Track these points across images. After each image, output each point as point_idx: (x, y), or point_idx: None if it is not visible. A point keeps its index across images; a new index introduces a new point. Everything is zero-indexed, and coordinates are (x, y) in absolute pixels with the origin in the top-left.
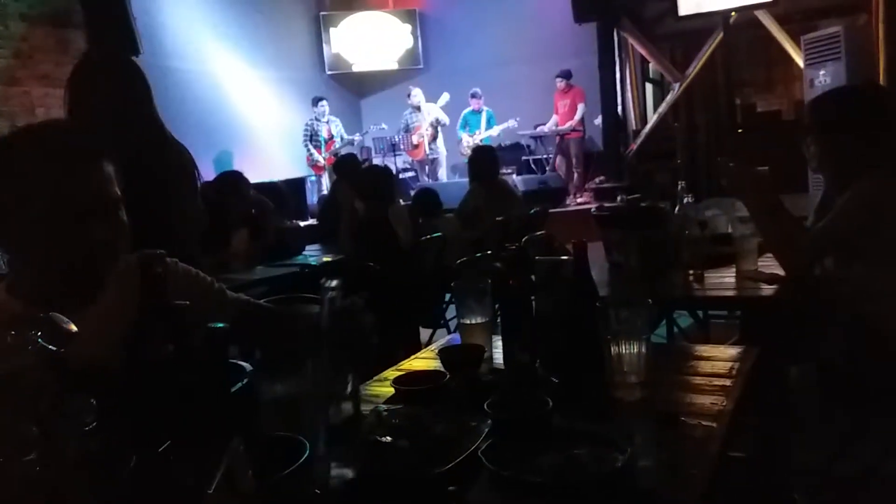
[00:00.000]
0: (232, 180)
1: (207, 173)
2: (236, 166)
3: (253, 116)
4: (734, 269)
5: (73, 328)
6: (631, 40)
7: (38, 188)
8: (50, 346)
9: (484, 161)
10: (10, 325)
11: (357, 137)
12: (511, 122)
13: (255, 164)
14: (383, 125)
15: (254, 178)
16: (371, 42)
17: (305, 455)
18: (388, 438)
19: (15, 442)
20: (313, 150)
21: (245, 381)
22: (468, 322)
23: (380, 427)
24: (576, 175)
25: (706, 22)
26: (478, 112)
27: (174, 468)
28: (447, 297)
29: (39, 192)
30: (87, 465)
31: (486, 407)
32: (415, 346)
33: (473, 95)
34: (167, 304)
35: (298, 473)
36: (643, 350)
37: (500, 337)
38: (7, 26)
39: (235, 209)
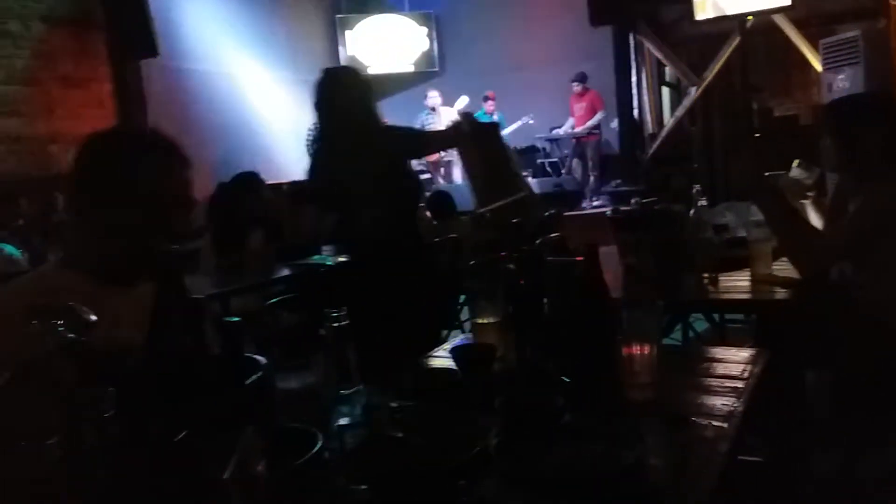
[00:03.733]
0: (248, 181)
1: (220, 173)
2: (250, 167)
3: (268, 117)
4: (749, 273)
5: (94, 318)
6: (647, 44)
7: (147, 176)
8: (70, 335)
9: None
10: (35, 313)
11: None
12: (524, 120)
13: (270, 165)
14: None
15: (268, 179)
16: (387, 45)
17: (318, 446)
18: (400, 434)
19: (37, 426)
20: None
21: (260, 373)
22: (481, 321)
23: (391, 424)
24: (591, 178)
25: (723, 26)
26: (490, 115)
27: (190, 456)
28: (462, 298)
29: (147, 180)
30: (107, 451)
31: (497, 405)
32: (429, 346)
33: (486, 98)
34: (185, 298)
35: (310, 464)
36: (654, 351)
37: (512, 337)
38: (28, 28)
39: (252, 209)
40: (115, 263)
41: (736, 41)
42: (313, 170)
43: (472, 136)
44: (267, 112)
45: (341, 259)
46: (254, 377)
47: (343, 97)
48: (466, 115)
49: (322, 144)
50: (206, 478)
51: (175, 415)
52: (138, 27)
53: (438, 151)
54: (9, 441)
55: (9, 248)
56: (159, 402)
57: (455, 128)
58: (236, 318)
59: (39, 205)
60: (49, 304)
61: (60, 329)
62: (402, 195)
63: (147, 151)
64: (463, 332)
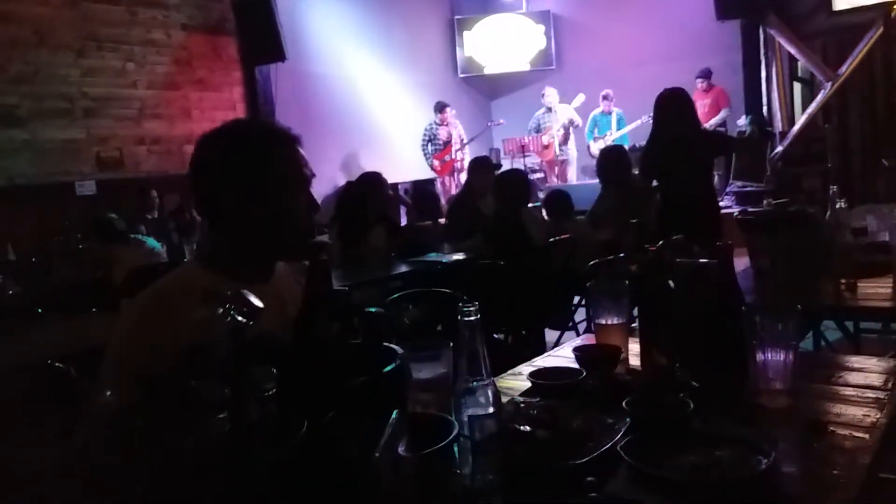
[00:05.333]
0: (372, 180)
1: (339, 175)
2: (370, 166)
3: (386, 118)
4: (891, 280)
5: (261, 304)
6: (778, 38)
7: (268, 163)
8: (240, 319)
9: (613, 162)
10: (208, 299)
11: (467, 138)
12: (643, 119)
13: (386, 165)
14: (501, 121)
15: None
16: (503, 44)
17: (453, 433)
18: (527, 428)
19: (210, 401)
20: (430, 154)
21: (397, 362)
22: (604, 323)
23: (518, 417)
24: (716, 178)
25: (863, 16)
26: (608, 114)
27: (337, 437)
28: (576, 299)
29: (270, 166)
30: (267, 427)
31: (624, 405)
32: (540, 347)
33: (605, 97)
34: (332, 289)
35: (445, 451)
36: (790, 357)
37: (636, 339)
38: (169, 35)
39: (374, 207)
40: (247, 263)
41: (878, 32)
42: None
43: None
44: (386, 113)
45: (456, 257)
46: (391, 365)
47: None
48: None
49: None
50: (350, 456)
51: (324, 397)
52: (267, 34)
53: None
54: (177, 416)
55: (150, 241)
56: (310, 385)
57: None
58: (376, 309)
59: (176, 201)
60: (221, 291)
61: (232, 313)
62: None
63: (263, 138)
64: (578, 334)
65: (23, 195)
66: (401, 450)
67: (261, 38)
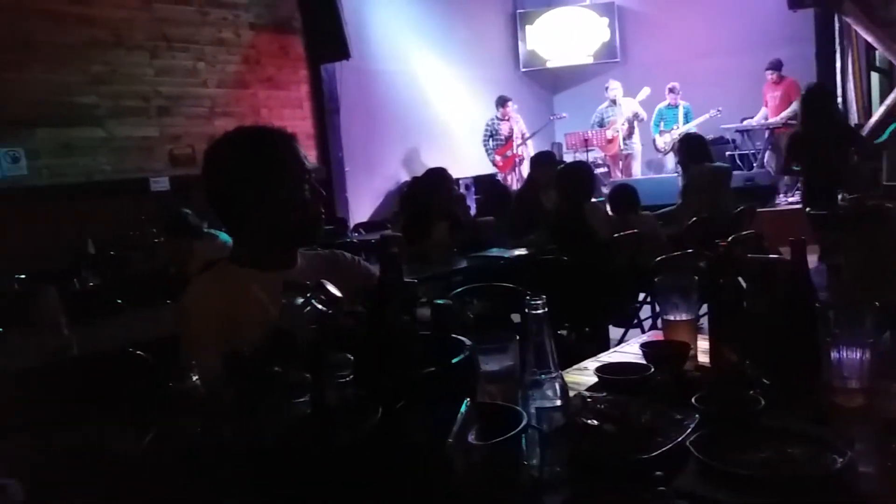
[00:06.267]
0: (438, 176)
1: (401, 171)
2: (432, 162)
3: (447, 114)
4: None
5: (339, 294)
6: (855, 26)
7: (270, 160)
8: (320, 308)
9: (692, 146)
10: (290, 289)
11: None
12: (712, 112)
13: (448, 160)
14: (563, 115)
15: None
16: (566, 37)
17: (522, 423)
18: (595, 422)
19: (292, 385)
20: (493, 150)
21: (466, 352)
22: (673, 319)
23: (585, 410)
24: None
25: None
26: (674, 107)
27: (409, 423)
28: (641, 296)
29: (272, 162)
30: (343, 411)
31: (694, 401)
32: (603, 344)
33: (671, 90)
34: (402, 280)
35: (513, 441)
36: (866, 355)
37: (705, 335)
38: (239, 35)
39: (439, 203)
40: (266, 254)
41: None
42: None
43: None
44: (447, 109)
45: (518, 252)
46: (460, 356)
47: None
48: None
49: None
50: (422, 442)
51: (396, 385)
52: (332, 32)
53: None
54: (261, 399)
55: (223, 235)
56: (383, 374)
57: None
58: (444, 301)
59: None
60: (302, 281)
61: (313, 302)
62: None
63: (275, 139)
64: (643, 331)
65: (101, 191)
66: (471, 438)
67: (326, 37)
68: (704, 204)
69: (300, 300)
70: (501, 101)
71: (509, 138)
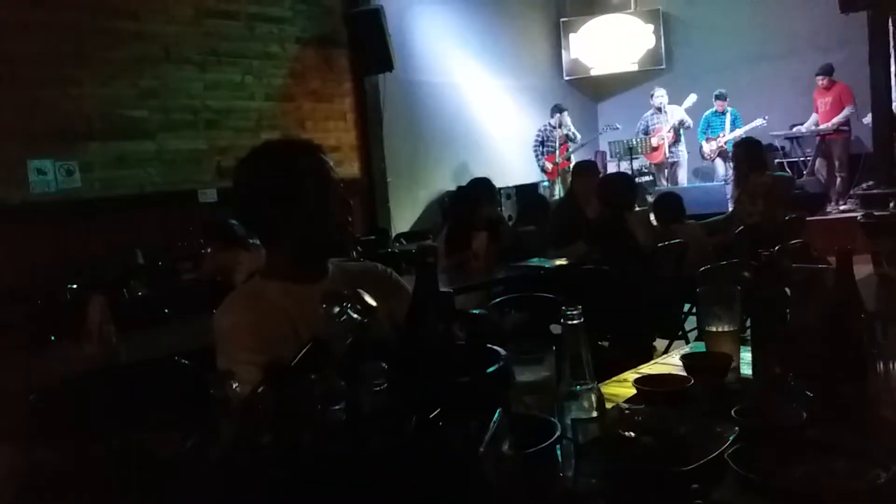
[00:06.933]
0: (483, 186)
1: (445, 181)
2: (477, 172)
3: (490, 123)
4: None
5: (374, 302)
6: None
7: (297, 172)
8: (356, 317)
9: (751, 152)
10: (327, 298)
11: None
12: (759, 122)
13: (491, 169)
14: (617, 125)
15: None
16: (611, 45)
17: (556, 434)
18: (632, 434)
19: (328, 393)
20: (543, 156)
21: (501, 363)
22: (714, 330)
23: (622, 422)
24: (838, 180)
25: None
26: (721, 114)
27: (444, 432)
28: (686, 306)
29: (300, 174)
30: (378, 419)
31: (734, 413)
32: (647, 354)
33: (718, 97)
34: (438, 290)
35: (548, 451)
36: None
37: (748, 347)
38: (284, 48)
39: (482, 213)
40: (295, 268)
41: None
42: None
43: None
44: (491, 118)
45: (559, 262)
46: (495, 366)
47: None
48: None
49: None
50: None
51: (430, 394)
52: (377, 45)
53: None
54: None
55: None
56: (418, 383)
57: None
58: (479, 311)
59: None
60: (339, 290)
61: (349, 311)
62: None
63: (301, 151)
64: (687, 342)
65: (150, 203)
66: (505, 448)
67: (370, 49)
68: (757, 213)
69: (336, 309)
70: (558, 109)
71: (561, 146)
